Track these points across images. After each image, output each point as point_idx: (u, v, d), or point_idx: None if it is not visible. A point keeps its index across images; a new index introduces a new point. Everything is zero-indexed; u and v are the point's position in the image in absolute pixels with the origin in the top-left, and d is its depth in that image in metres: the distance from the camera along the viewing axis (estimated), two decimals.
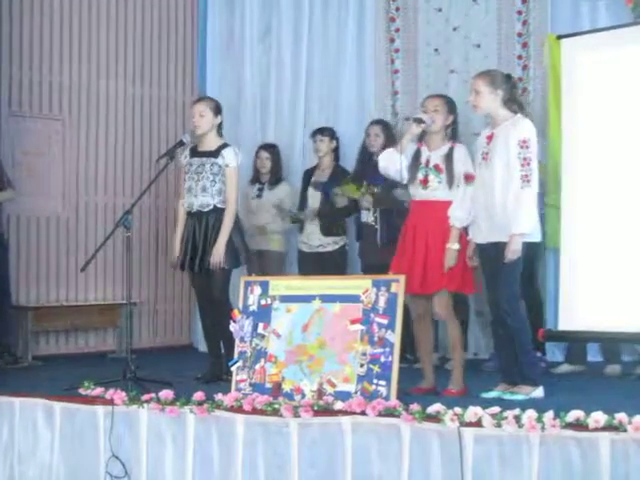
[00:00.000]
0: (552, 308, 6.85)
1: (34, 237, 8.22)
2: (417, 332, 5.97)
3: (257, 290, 5.64)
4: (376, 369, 5.15)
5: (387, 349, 5.16)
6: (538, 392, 5.46)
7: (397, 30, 8.13)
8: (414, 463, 4.74)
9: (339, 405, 4.97)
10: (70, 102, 8.42)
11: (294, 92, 8.62)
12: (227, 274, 6.42)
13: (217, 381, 6.20)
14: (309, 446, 4.99)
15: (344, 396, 5.10)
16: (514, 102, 5.61)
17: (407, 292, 5.69)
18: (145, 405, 5.38)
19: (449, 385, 5.73)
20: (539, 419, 4.45)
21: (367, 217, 7.27)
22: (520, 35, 7.60)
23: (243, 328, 5.61)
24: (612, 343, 6.70)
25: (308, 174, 7.85)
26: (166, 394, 5.34)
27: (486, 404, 4.79)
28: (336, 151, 7.79)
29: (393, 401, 4.92)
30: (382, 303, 5.25)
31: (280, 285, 5.64)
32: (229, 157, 6.41)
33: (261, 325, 5.56)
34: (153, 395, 5.38)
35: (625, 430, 4.28)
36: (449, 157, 5.76)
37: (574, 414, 4.42)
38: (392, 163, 5.84)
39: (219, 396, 5.24)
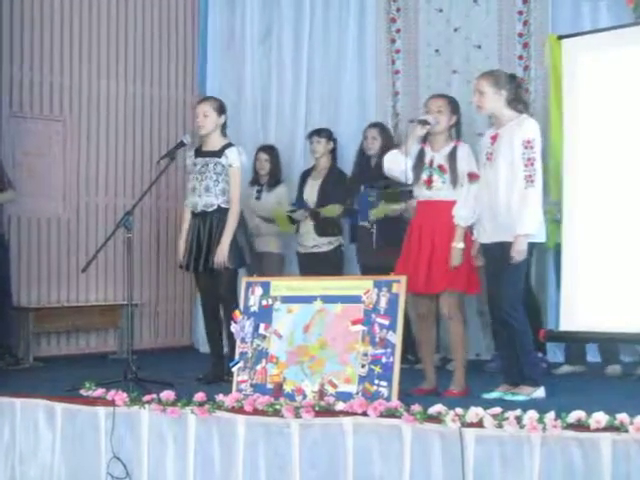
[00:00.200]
0: (553, 309, 6.85)
1: (35, 238, 8.21)
2: (419, 332, 5.97)
3: (258, 291, 5.64)
4: (377, 370, 5.15)
5: (388, 350, 5.16)
6: (539, 393, 5.46)
7: (398, 31, 8.13)
8: (415, 464, 4.74)
9: (340, 406, 4.97)
10: (71, 103, 8.41)
11: (295, 93, 8.62)
12: (233, 273, 6.41)
13: (218, 382, 6.19)
14: (310, 447, 4.99)
15: (345, 397, 5.10)
16: (519, 102, 5.61)
17: (413, 292, 5.71)
18: (146, 406, 5.38)
19: (450, 386, 5.73)
20: (540, 420, 4.45)
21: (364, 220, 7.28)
22: (521, 35, 7.60)
23: (244, 329, 5.61)
24: (610, 344, 6.70)
25: (305, 175, 7.85)
26: (167, 395, 5.34)
27: (487, 405, 4.79)
28: (333, 152, 7.79)
29: (394, 402, 4.92)
30: (383, 304, 5.25)
31: (281, 286, 5.64)
32: (232, 157, 6.41)
33: (262, 326, 5.56)
34: (154, 396, 5.38)
35: (626, 430, 4.28)
36: (452, 156, 5.76)
37: (575, 415, 4.41)
38: (397, 164, 5.84)
39: (220, 397, 5.24)
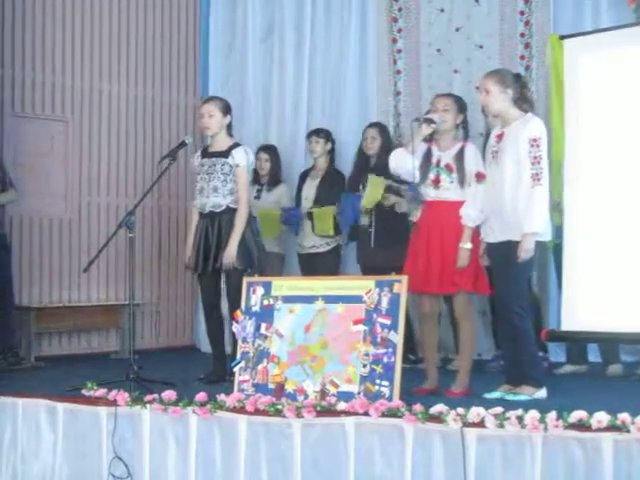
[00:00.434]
0: (554, 308, 6.85)
1: (37, 238, 8.22)
2: (422, 332, 5.97)
3: (260, 291, 5.64)
4: (379, 369, 5.15)
5: (390, 350, 5.16)
6: (541, 393, 5.46)
7: (399, 30, 8.14)
8: (417, 463, 4.74)
9: (342, 406, 4.97)
10: (73, 103, 8.42)
11: (296, 93, 8.63)
12: (242, 274, 6.40)
13: (220, 382, 6.20)
14: (312, 447, 4.98)
15: (347, 397, 5.10)
16: (525, 101, 5.61)
17: (424, 292, 5.70)
18: (148, 406, 5.38)
19: (452, 386, 5.73)
20: (542, 419, 4.45)
21: (362, 220, 7.28)
22: (522, 35, 7.61)
23: (245, 329, 5.61)
24: (611, 344, 6.70)
25: (304, 175, 7.86)
26: (169, 395, 5.34)
27: (489, 404, 4.79)
28: (331, 153, 7.80)
29: (396, 402, 4.92)
30: (385, 304, 5.24)
31: (283, 286, 5.64)
32: (239, 157, 6.40)
33: (264, 326, 5.56)
34: (156, 396, 5.38)
35: (628, 430, 4.28)
36: (460, 156, 5.75)
37: (577, 414, 4.41)
38: (403, 163, 5.83)
39: (222, 397, 5.24)
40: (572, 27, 7.17)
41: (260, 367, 5.50)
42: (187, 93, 9.19)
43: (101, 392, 5.56)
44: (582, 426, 4.39)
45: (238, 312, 5.68)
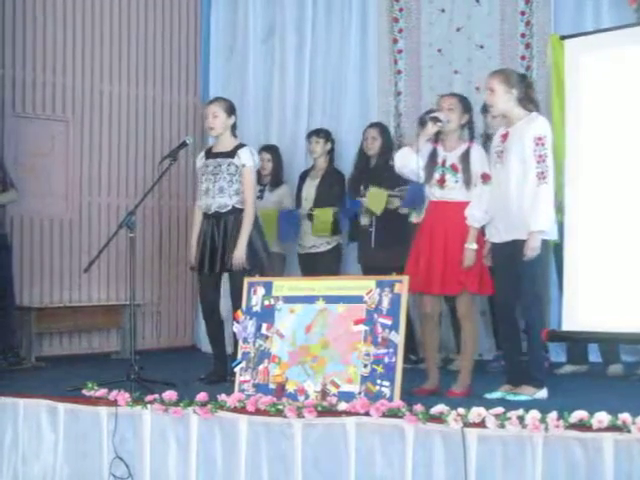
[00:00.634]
0: (555, 308, 6.85)
1: (37, 238, 8.22)
2: (423, 332, 5.96)
3: (260, 291, 5.64)
4: (380, 370, 5.15)
5: (391, 350, 5.16)
6: (542, 393, 5.46)
7: (400, 31, 8.14)
8: (418, 464, 4.74)
9: (343, 406, 4.97)
10: (73, 103, 8.42)
11: (297, 93, 8.63)
12: (248, 274, 6.38)
13: (221, 382, 6.20)
14: (313, 447, 4.98)
15: (348, 397, 5.10)
16: (530, 101, 5.60)
17: (426, 292, 5.70)
18: (149, 406, 5.37)
19: (453, 386, 5.73)
20: (542, 419, 4.45)
21: (363, 220, 7.28)
22: (523, 36, 7.61)
23: (246, 329, 5.61)
24: (611, 344, 6.70)
25: (304, 175, 7.87)
26: (170, 395, 5.34)
27: (490, 405, 4.78)
28: (331, 153, 7.80)
29: (397, 402, 4.92)
30: (386, 304, 5.24)
31: (283, 286, 5.64)
32: (245, 157, 6.40)
33: (264, 326, 5.56)
34: (157, 396, 5.38)
35: (629, 430, 4.28)
36: (466, 157, 5.74)
37: (577, 414, 4.41)
38: (408, 162, 5.83)
39: (222, 397, 5.24)
40: (573, 27, 7.17)
41: (261, 367, 5.50)
42: (187, 93, 9.19)
43: (102, 392, 5.56)
44: (583, 426, 4.39)
45: (239, 312, 5.68)
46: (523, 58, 7.59)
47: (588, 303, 6.18)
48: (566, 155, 6.36)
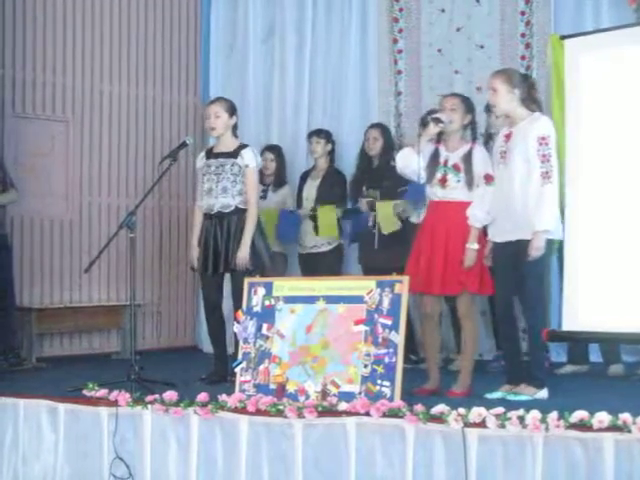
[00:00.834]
0: (555, 308, 6.85)
1: (38, 238, 8.22)
2: (424, 332, 5.96)
3: (261, 291, 5.64)
4: (380, 370, 5.15)
5: (391, 350, 5.16)
6: (542, 393, 5.46)
7: (400, 31, 8.14)
8: (418, 464, 4.74)
9: (343, 406, 4.97)
10: (73, 103, 8.42)
11: (297, 93, 8.63)
12: (250, 275, 6.38)
13: (221, 382, 6.20)
14: (313, 447, 4.99)
15: (348, 397, 5.10)
16: (532, 101, 5.60)
17: (427, 292, 5.70)
18: (149, 406, 5.38)
19: (453, 386, 5.73)
20: (543, 419, 4.45)
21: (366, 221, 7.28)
22: (523, 36, 7.60)
23: (247, 329, 5.61)
24: (612, 344, 6.70)
25: (305, 175, 7.87)
26: (170, 395, 5.34)
27: (490, 405, 4.79)
28: (332, 153, 7.80)
29: (397, 402, 4.92)
30: (386, 304, 5.24)
31: (284, 286, 5.64)
32: (248, 157, 6.41)
33: (265, 326, 5.56)
34: (157, 396, 5.38)
35: (629, 430, 4.28)
36: (468, 158, 5.74)
37: (578, 414, 4.41)
38: (409, 162, 5.83)
39: (223, 397, 5.24)
40: (573, 27, 7.17)
41: (261, 367, 5.50)
42: (187, 93, 9.19)
43: (102, 393, 5.56)
44: (583, 426, 4.39)
45: (240, 312, 5.68)
46: (523, 58, 7.58)
47: (588, 303, 6.18)
48: (566, 155, 6.36)
